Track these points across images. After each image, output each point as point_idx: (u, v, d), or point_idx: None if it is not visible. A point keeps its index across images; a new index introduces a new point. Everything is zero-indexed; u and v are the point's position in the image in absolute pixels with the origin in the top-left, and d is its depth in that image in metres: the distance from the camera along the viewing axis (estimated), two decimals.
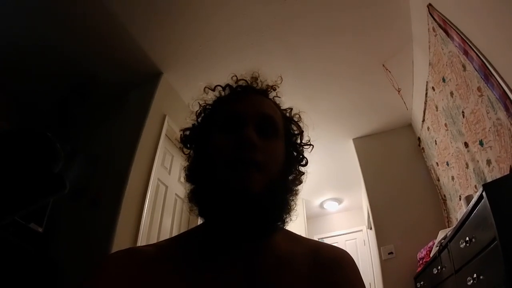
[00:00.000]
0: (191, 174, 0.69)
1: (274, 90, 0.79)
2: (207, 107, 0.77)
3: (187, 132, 0.76)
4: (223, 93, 0.77)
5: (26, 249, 2.25)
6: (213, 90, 0.78)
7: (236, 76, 0.79)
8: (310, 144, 0.80)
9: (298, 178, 0.73)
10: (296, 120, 0.79)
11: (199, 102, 0.78)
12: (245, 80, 0.78)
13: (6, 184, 1.31)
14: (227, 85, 0.77)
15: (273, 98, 0.78)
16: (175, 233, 2.95)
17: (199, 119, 0.77)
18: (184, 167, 0.72)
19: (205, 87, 0.79)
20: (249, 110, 0.67)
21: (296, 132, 0.78)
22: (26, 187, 1.42)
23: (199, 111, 0.78)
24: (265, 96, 0.76)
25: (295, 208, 0.68)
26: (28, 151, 1.47)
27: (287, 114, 0.79)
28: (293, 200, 0.68)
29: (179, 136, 0.77)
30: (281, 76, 0.82)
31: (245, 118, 0.65)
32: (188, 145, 0.75)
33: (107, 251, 2.10)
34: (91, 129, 3.22)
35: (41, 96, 3.23)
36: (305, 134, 0.80)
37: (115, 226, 2.22)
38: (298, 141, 0.78)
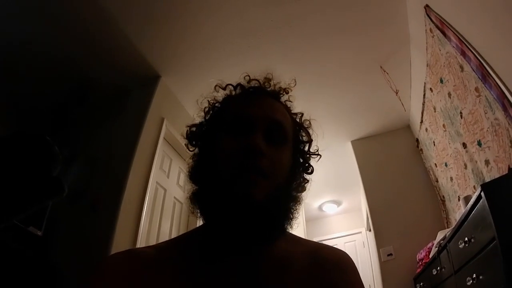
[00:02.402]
0: (194, 174, 0.68)
1: (287, 93, 0.77)
2: (216, 105, 0.75)
3: (193, 129, 0.75)
4: (233, 92, 0.75)
5: (25, 252, 2.24)
6: (224, 89, 0.76)
7: (249, 75, 0.77)
8: (318, 154, 0.78)
9: (302, 186, 0.72)
10: (306, 126, 0.78)
11: (208, 100, 0.76)
12: (258, 81, 0.76)
13: (5, 188, 1.30)
14: (239, 84, 0.75)
15: (284, 101, 0.76)
16: (173, 236, 2.94)
17: (206, 117, 0.75)
18: (188, 165, 0.71)
19: (216, 85, 0.77)
20: (259, 115, 0.65)
21: (304, 139, 0.76)
22: (25, 190, 1.42)
23: (207, 108, 0.76)
24: (276, 99, 0.74)
25: (297, 217, 0.67)
26: (27, 154, 1.47)
27: (297, 119, 0.77)
28: (295, 208, 0.67)
29: (183, 135, 0.75)
30: (295, 79, 0.80)
31: (254, 123, 0.64)
32: (194, 142, 0.73)
33: (106, 254, 2.09)
34: (89, 132, 3.21)
35: (39, 99, 3.22)
36: (314, 143, 0.78)
37: (113, 230, 2.21)
38: (306, 148, 0.76)
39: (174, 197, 3.16)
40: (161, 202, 2.96)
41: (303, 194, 0.72)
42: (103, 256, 2.07)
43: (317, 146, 0.79)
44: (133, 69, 3.05)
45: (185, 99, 3.36)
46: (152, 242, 2.64)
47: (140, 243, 2.39)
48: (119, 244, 2.18)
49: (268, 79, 0.77)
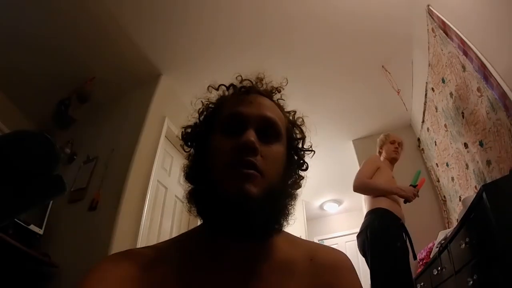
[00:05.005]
0: (190, 173, 0.69)
1: (279, 92, 0.78)
2: (210, 105, 0.76)
3: (189, 130, 0.75)
4: (227, 93, 0.76)
5: (25, 251, 2.24)
6: (217, 89, 0.77)
7: (241, 76, 0.77)
8: (312, 150, 0.78)
9: (297, 183, 0.72)
10: (299, 123, 0.78)
11: (202, 101, 0.76)
12: (250, 81, 0.76)
13: (5, 186, 1.30)
14: (231, 84, 0.76)
15: (277, 100, 0.76)
16: (174, 235, 2.94)
17: (201, 118, 0.75)
18: (184, 164, 0.71)
19: (208, 86, 0.77)
20: (252, 113, 0.66)
21: (298, 136, 0.76)
22: (25, 189, 1.42)
23: (201, 109, 0.76)
24: (269, 97, 0.74)
25: (293, 213, 0.67)
26: (27, 152, 1.47)
27: (290, 117, 0.77)
28: (291, 204, 0.67)
29: (179, 136, 0.76)
30: (286, 78, 0.81)
31: (247, 121, 0.64)
32: (189, 143, 0.74)
33: (107, 253, 2.09)
34: (90, 130, 3.22)
35: (40, 96, 3.23)
36: (307, 139, 0.78)
37: (114, 228, 2.22)
38: (300, 145, 0.76)
39: (175, 196, 3.15)
40: (162, 201, 2.96)
41: (299, 190, 0.72)
42: (103, 255, 2.07)
43: (310, 142, 0.78)
44: (134, 67, 3.06)
45: (187, 98, 3.36)
46: (153, 240, 2.65)
47: (141, 241, 2.39)
48: (119, 242, 2.19)
49: (260, 79, 0.77)
